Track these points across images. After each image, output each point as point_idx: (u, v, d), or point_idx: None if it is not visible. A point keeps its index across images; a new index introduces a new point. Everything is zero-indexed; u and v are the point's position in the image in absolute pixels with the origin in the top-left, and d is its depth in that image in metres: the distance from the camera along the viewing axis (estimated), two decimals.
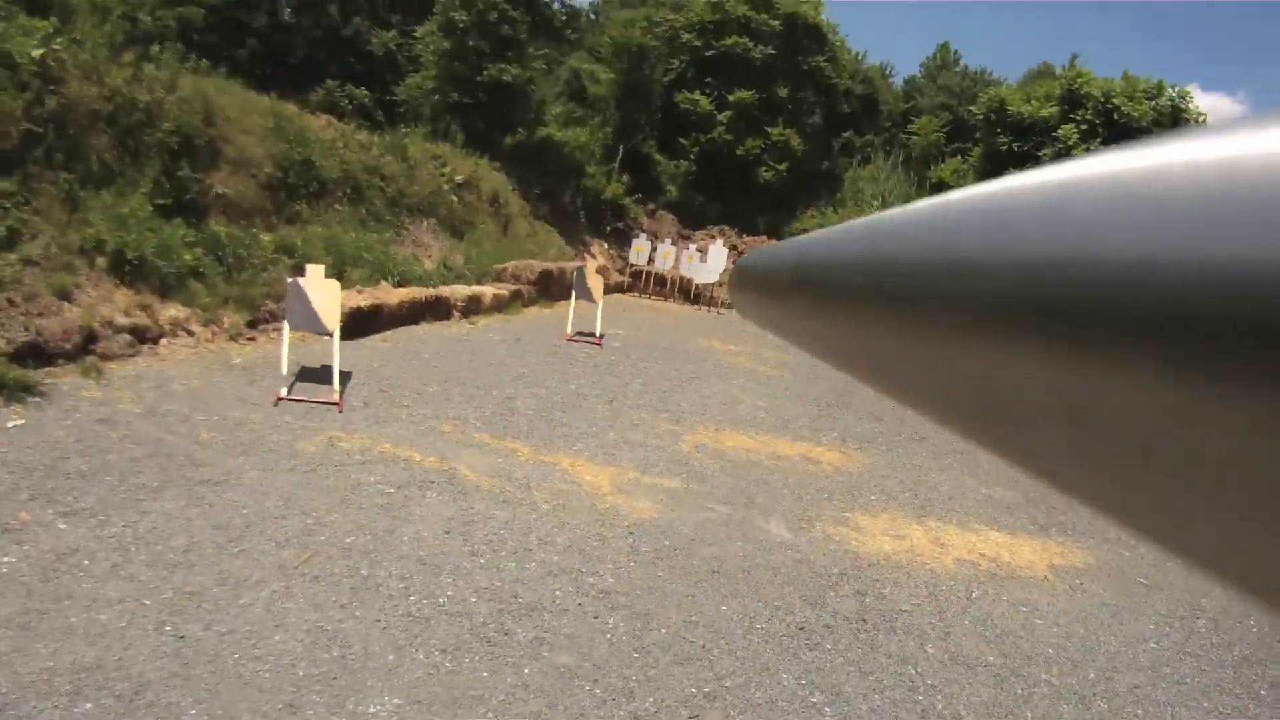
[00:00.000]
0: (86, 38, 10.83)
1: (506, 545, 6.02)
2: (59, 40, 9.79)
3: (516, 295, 16.60)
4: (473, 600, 5.18)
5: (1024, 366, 0.29)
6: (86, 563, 4.93)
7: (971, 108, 35.92)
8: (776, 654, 5.21)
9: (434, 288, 14.20)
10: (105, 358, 8.11)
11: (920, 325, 0.36)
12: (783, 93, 29.92)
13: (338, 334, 8.87)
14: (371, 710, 4.12)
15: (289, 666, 4.31)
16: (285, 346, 8.65)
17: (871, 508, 8.19)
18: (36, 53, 9.14)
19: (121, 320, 8.56)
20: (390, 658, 4.50)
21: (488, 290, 15.62)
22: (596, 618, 5.21)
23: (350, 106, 23.74)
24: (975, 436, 0.36)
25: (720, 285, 23.24)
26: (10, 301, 7.64)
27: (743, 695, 4.64)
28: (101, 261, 8.94)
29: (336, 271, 11.92)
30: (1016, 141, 30.31)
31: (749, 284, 0.79)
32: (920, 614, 6.12)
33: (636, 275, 23.84)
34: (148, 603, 4.68)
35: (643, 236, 23.74)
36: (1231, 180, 0.22)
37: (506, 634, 4.86)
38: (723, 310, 21.68)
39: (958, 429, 0.37)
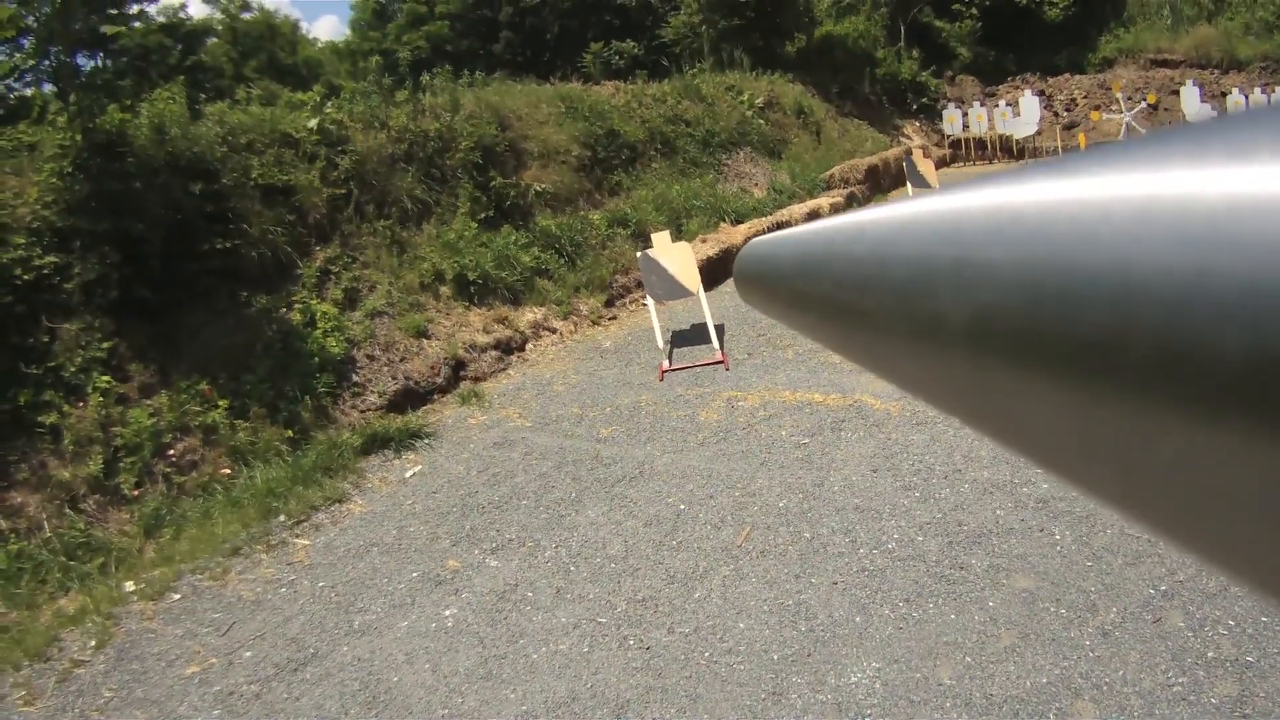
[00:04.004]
0: (354, 92, 11.04)
1: (935, 472, 5.62)
2: (329, 105, 9.97)
3: (851, 198, 15.87)
4: (920, 539, 4.89)
5: (1023, 368, 0.29)
6: (530, 594, 4.82)
7: None
8: None
9: (771, 214, 13.55)
10: (478, 379, 7.98)
11: (929, 325, 0.36)
12: None
13: (703, 293, 8.46)
14: (854, 680, 3.91)
15: (761, 652, 4.14)
16: (655, 320, 8.42)
17: None
18: (312, 123, 9.23)
19: (482, 339, 8.39)
20: (857, 620, 4.27)
21: (823, 201, 14.89)
22: (1042, 531, 4.83)
23: (621, 61, 23.63)
24: (979, 430, 0.37)
25: (1039, 134, 23.02)
26: (369, 356, 7.57)
27: (1198, 588, 4.17)
28: (445, 290, 8.82)
29: (673, 226, 11.51)
30: None
31: (752, 278, 0.79)
32: None
33: (955, 145, 23.40)
34: (603, 620, 4.54)
35: (950, 106, 23.71)
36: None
37: (962, 568, 4.56)
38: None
39: (966, 422, 0.38)
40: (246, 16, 32.27)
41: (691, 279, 8.42)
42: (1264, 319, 0.19)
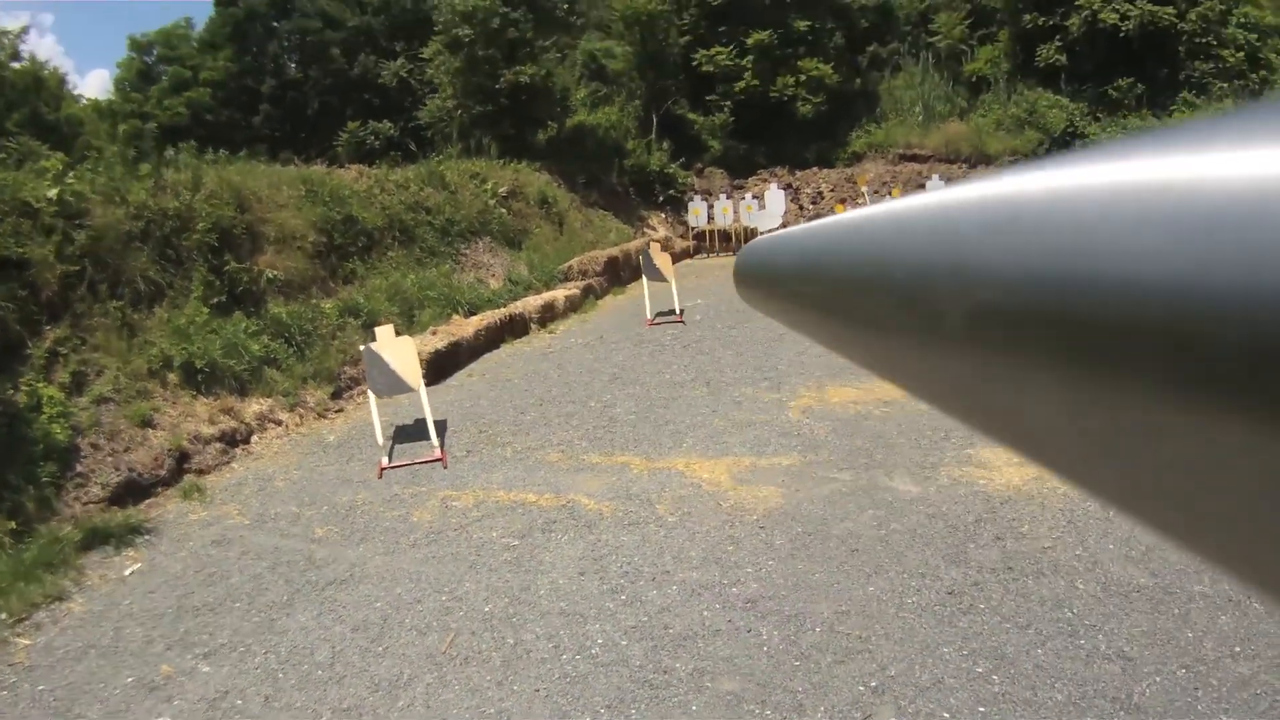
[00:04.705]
0: (99, 162, 10.83)
1: (643, 574, 5.79)
2: (71, 174, 9.76)
3: (588, 291, 16.53)
4: (624, 644, 4.95)
5: (1024, 364, 0.29)
6: (239, 703, 4.77)
7: None
8: (933, 627, 4.89)
9: (505, 306, 14.09)
10: (201, 472, 8.08)
11: (922, 319, 0.36)
12: (800, 25, 28.43)
13: (423, 389, 8.70)
14: None
15: None
16: (375, 415, 8.58)
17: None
18: (52, 193, 9.06)
19: (208, 430, 8.51)
20: None
21: (559, 294, 15.51)
22: (750, 632, 4.95)
23: (377, 142, 23.93)
24: (979, 428, 0.37)
25: (784, 227, 22.99)
26: (94, 445, 7.61)
27: (910, 681, 4.35)
28: (173, 378, 8.88)
29: (405, 317, 11.85)
30: (1044, 17, 27.83)
31: (752, 275, 0.81)
32: (1064, 548, 5.71)
33: (700, 237, 24.04)
34: None
35: (697, 198, 24.17)
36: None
37: (666, 673, 4.62)
38: None
39: (964, 421, 0.38)
40: (16, 66, 30.67)
41: (413, 375, 8.62)
42: (1264, 312, 0.19)
